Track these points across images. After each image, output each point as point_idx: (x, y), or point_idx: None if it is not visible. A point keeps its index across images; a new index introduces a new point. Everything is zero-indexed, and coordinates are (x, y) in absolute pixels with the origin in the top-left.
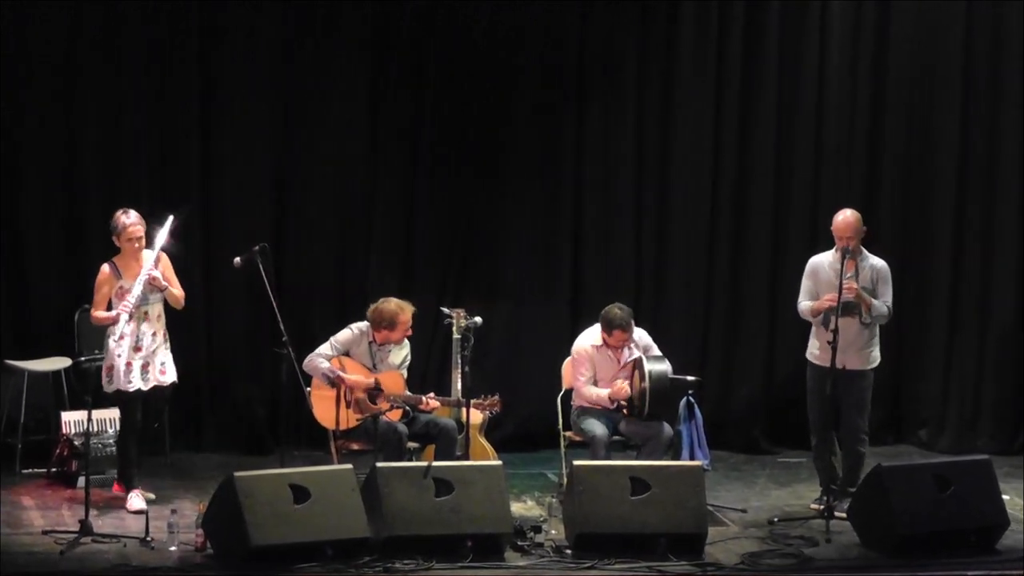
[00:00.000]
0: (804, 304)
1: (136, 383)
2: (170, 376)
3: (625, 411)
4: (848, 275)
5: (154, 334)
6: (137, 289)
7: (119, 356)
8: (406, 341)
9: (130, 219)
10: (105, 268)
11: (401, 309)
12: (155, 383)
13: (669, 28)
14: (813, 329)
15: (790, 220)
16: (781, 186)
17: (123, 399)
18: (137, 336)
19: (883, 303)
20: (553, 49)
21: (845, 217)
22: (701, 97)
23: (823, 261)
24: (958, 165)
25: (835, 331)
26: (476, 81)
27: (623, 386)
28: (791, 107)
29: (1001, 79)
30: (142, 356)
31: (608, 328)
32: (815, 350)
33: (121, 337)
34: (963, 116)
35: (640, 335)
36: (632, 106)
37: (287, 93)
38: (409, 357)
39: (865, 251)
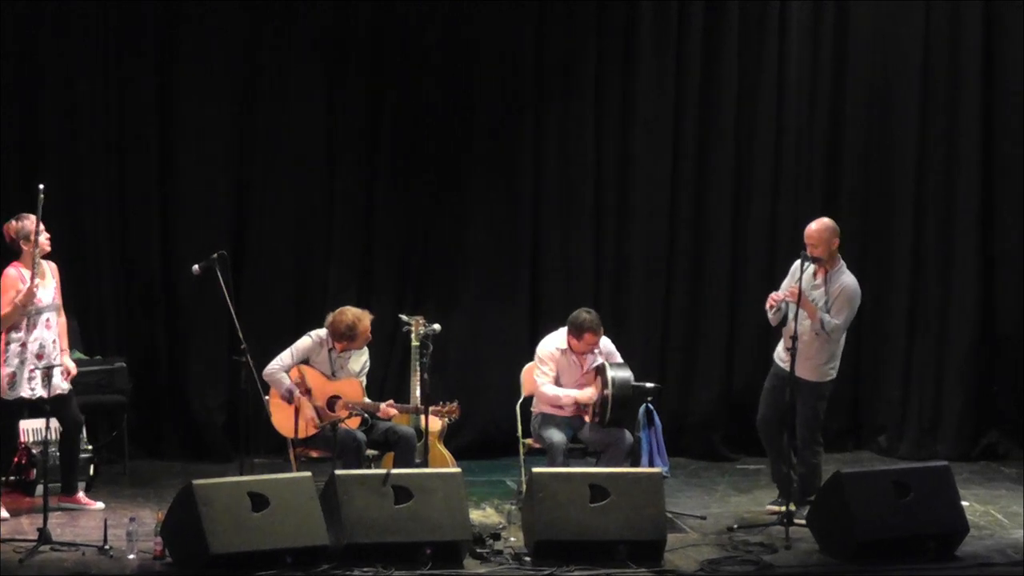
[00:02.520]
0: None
1: (38, 391)
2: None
3: (587, 417)
4: (816, 283)
5: (54, 341)
6: (47, 298)
7: (20, 363)
8: (365, 348)
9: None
10: (11, 271)
11: (359, 319)
12: (58, 391)
13: (627, 34)
14: (783, 333)
15: (749, 226)
16: (741, 193)
17: (21, 407)
18: (40, 343)
19: (831, 318)
20: (511, 55)
21: (815, 224)
22: (660, 104)
23: (799, 264)
24: (918, 171)
25: (794, 338)
26: (434, 88)
27: (592, 396)
28: (751, 113)
29: (960, 83)
30: (44, 363)
31: (578, 332)
32: (781, 352)
33: (23, 345)
34: (922, 122)
35: (603, 341)
36: (591, 113)
37: (244, 103)
38: (368, 364)
39: (843, 266)
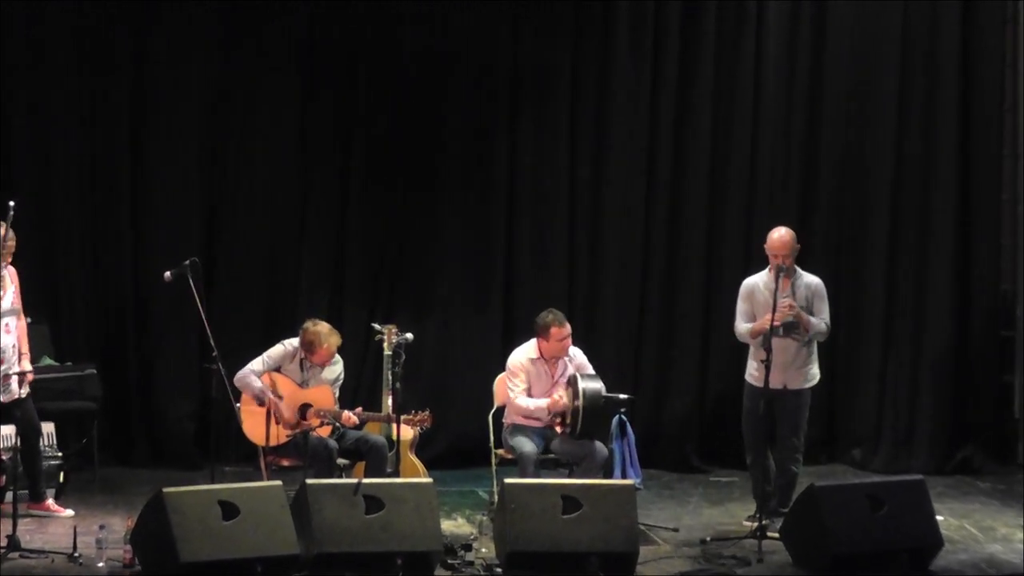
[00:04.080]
0: (742, 327)
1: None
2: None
3: (559, 428)
4: (784, 294)
5: (13, 346)
6: (7, 303)
7: None
8: (339, 359)
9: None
10: None
11: (325, 338)
12: (15, 396)
13: (602, 41)
14: (751, 350)
15: (725, 235)
16: (716, 200)
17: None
18: None
19: (821, 320)
20: (486, 59)
21: (780, 235)
22: (635, 111)
23: (757, 282)
24: (894, 180)
25: (768, 350)
26: (408, 93)
27: (561, 398)
28: (727, 121)
29: (938, 83)
30: (3, 368)
31: (544, 331)
32: (752, 371)
33: None
34: (899, 128)
35: (574, 352)
36: (565, 118)
37: (216, 107)
38: (343, 376)
39: (799, 269)
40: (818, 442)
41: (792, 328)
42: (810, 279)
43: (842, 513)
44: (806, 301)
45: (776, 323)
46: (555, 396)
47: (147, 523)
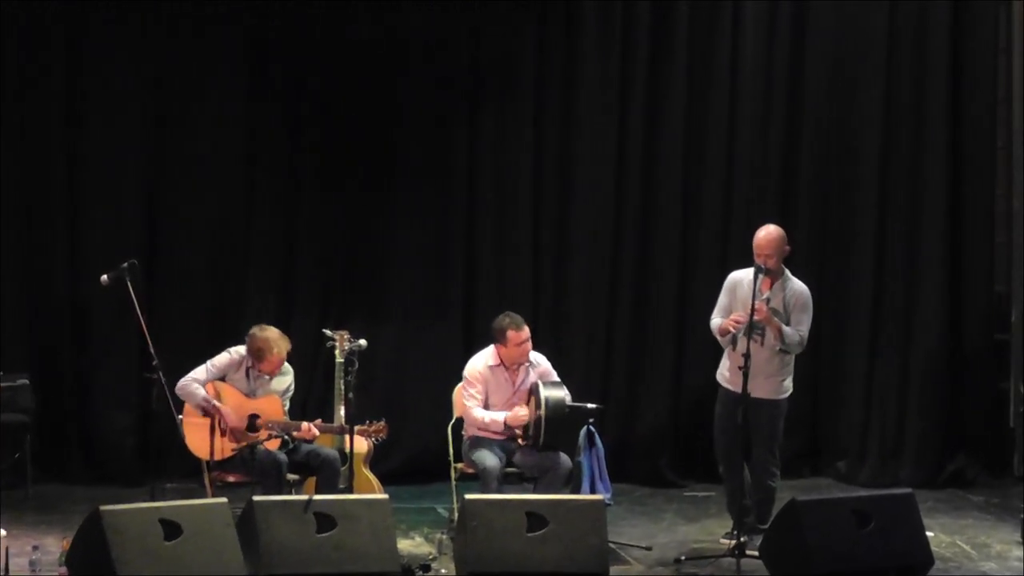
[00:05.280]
0: (715, 321)
1: None
2: None
3: (520, 440)
4: (765, 295)
5: None
6: None
7: None
8: (289, 368)
9: None
10: None
11: (275, 344)
12: None
13: (568, 31)
14: (726, 351)
15: (700, 236)
16: (690, 199)
17: None
18: None
19: (795, 330)
20: (444, 51)
21: (767, 232)
22: (604, 104)
23: (744, 277)
24: (880, 180)
25: (746, 355)
26: (360, 87)
27: (521, 413)
28: (702, 113)
29: (926, 85)
30: None
31: (501, 336)
32: (725, 371)
33: None
34: (886, 121)
35: (538, 359)
36: (529, 114)
37: (157, 101)
38: (293, 387)
39: (788, 273)
40: (800, 454)
41: (756, 329)
42: (797, 285)
43: (826, 530)
44: (788, 307)
45: (741, 323)
46: (515, 410)
47: (84, 543)
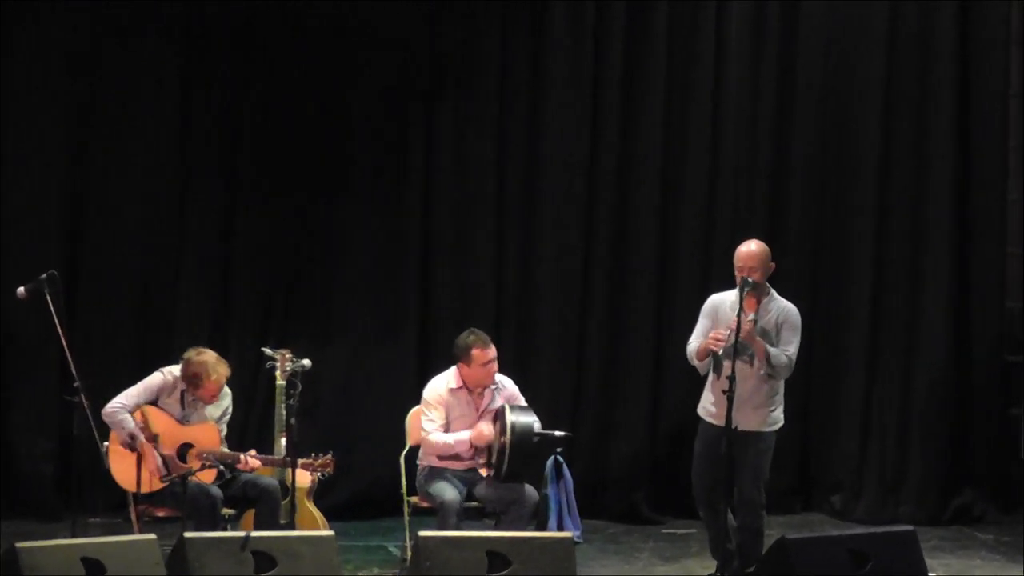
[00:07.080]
0: (692, 346)
1: None
2: None
3: (483, 468)
4: (750, 316)
5: None
6: None
7: None
8: (227, 391)
9: None
10: None
11: (213, 369)
12: None
13: (535, 24)
14: (708, 382)
15: (680, 250)
16: (669, 209)
17: None
18: None
19: (783, 351)
20: (399, 45)
21: (748, 247)
22: (575, 104)
23: (725, 300)
24: (879, 179)
25: (731, 378)
26: (305, 85)
27: (486, 431)
28: (682, 115)
29: (929, 88)
30: None
31: (465, 354)
32: (709, 406)
33: None
34: (886, 118)
35: (504, 382)
36: (493, 114)
37: (82, 101)
38: (231, 411)
39: (774, 292)
40: (791, 488)
41: (743, 350)
42: (784, 304)
43: (819, 570)
44: (775, 327)
45: (722, 342)
46: (478, 427)
47: None
